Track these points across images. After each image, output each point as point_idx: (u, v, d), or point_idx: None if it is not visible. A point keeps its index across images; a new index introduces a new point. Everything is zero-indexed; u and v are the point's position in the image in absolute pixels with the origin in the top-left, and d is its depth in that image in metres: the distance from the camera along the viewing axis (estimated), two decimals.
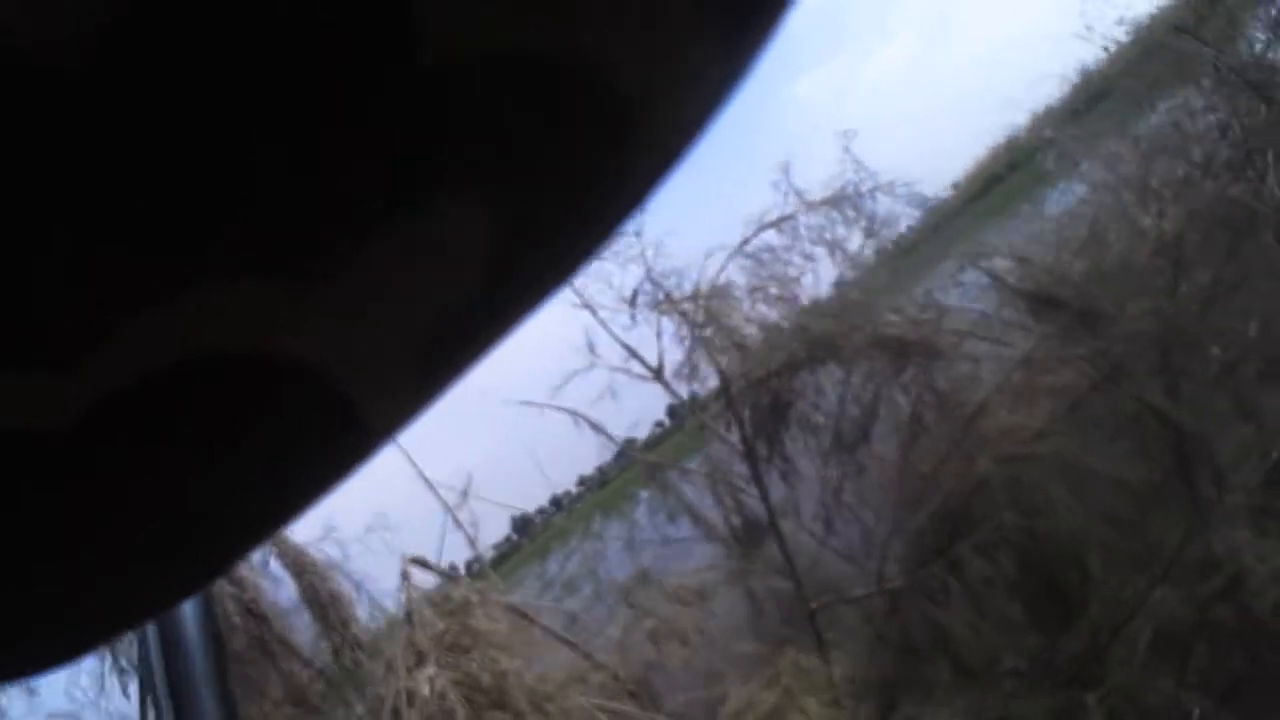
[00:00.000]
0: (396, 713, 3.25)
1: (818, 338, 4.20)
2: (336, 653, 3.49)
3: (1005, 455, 4.00)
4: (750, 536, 4.69)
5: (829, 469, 4.36)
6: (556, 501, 5.86)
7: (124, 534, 0.22)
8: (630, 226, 4.23)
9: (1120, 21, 5.56)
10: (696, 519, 4.89)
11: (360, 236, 0.19)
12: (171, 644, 0.67)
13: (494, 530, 5.64)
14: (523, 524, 5.89)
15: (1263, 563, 3.98)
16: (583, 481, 6.25)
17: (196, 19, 0.16)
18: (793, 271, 4.43)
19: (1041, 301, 4.39)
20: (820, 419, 4.35)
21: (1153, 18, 5.78)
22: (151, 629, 0.68)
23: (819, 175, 4.61)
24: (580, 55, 0.19)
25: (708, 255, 4.42)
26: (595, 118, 0.20)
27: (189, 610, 0.68)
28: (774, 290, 4.40)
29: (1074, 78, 5.72)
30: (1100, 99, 5.77)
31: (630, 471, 5.63)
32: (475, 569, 4.74)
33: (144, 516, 0.21)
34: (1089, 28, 5.41)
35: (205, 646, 0.68)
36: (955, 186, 5.79)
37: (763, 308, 4.43)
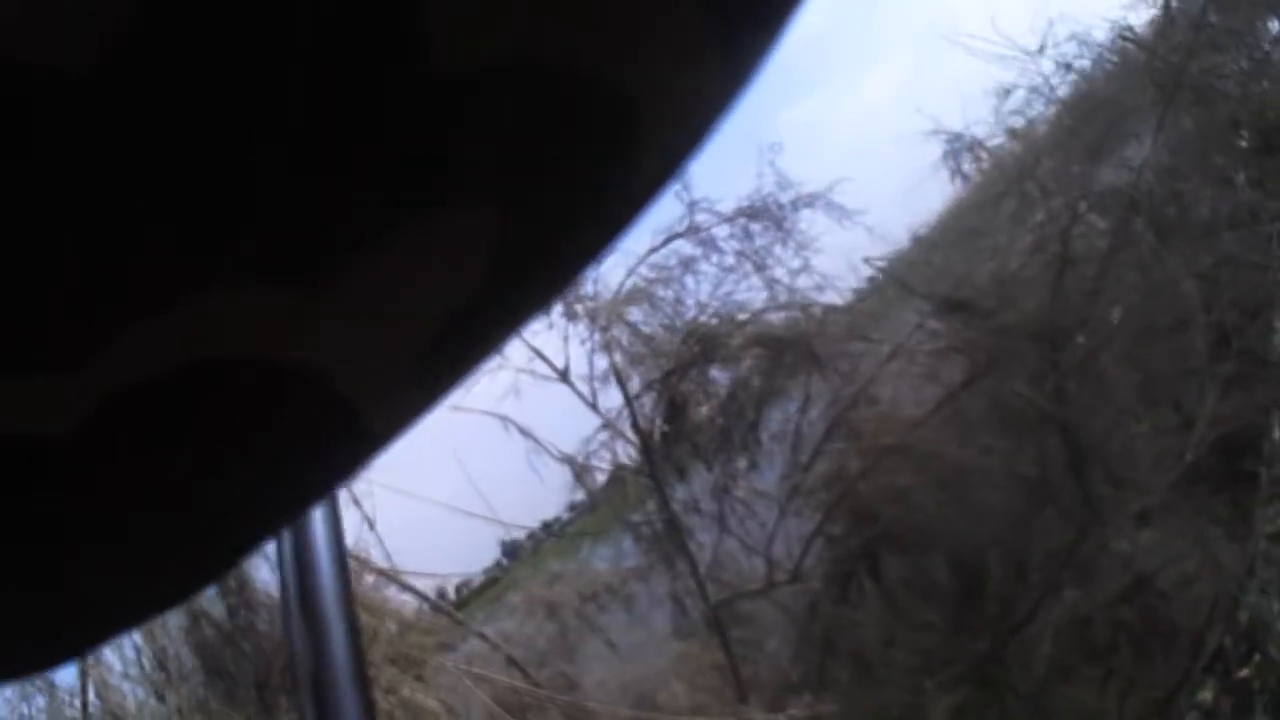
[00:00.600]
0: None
1: (705, 337, 4.41)
2: (231, 611, 3.80)
3: (885, 448, 4.07)
4: (670, 536, 4.85)
5: (722, 467, 4.52)
6: (547, 526, 6.04)
7: (126, 537, 0.22)
8: None
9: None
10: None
11: (364, 241, 0.19)
12: (304, 561, 0.70)
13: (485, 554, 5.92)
14: (512, 549, 6.01)
15: (1169, 564, 3.87)
16: (573, 506, 6.27)
17: (204, 22, 0.16)
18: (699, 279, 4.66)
19: (938, 301, 4.45)
20: (714, 419, 4.53)
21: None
22: (287, 543, 0.71)
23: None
24: (585, 60, 0.19)
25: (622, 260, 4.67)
26: (600, 122, 0.20)
27: (320, 529, 0.71)
28: (674, 296, 4.63)
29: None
30: None
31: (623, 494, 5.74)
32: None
33: (146, 521, 0.22)
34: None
35: (335, 563, 0.71)
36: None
37: (664, 314, 4.66)
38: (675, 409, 4.54)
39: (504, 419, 4.97)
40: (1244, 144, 4.52)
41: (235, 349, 0.19)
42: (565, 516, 5.98)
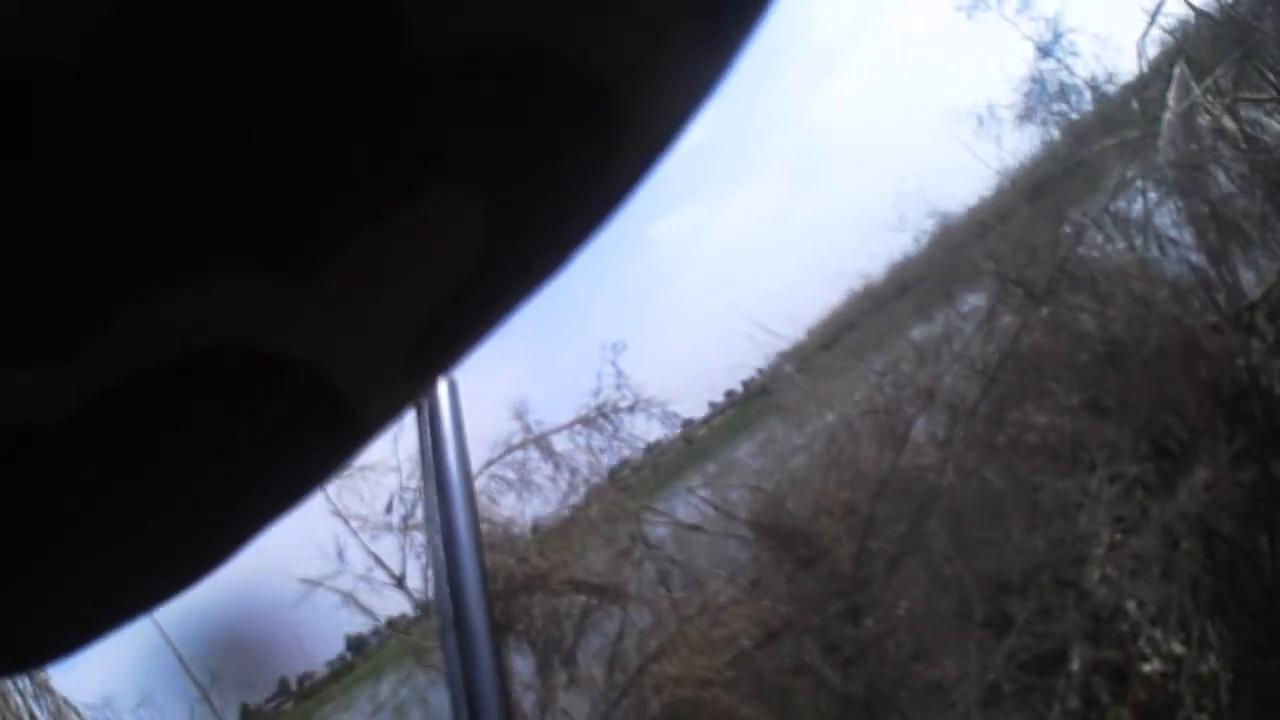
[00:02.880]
0: None
1: (530, 571, 4.56)
2: None
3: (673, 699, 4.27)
4: None
5: (544, 684, 4.73)
6: (392, 624, 6.20)
7: (122, 528, 0.21)
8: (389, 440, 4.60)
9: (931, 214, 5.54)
10: None
11: (352, 227, 0.19)
12: (451, 551, 0.79)
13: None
14: (358, 643, 6.11)
15: None
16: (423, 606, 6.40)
17: (184, 12, 0.16)
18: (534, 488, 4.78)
19: (765, 532, 4.59)
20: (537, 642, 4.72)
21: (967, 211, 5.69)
22: (437, 536, 0.79)
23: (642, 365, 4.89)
24: (561, 44, 0.19)
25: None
26: (579, 106, 0.20)
27: (463, 522, 0.81)
28: (504, 515, 4.76)
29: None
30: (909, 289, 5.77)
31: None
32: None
33: (141, 510, 0.21)
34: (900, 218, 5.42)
35: (475, 553, 0.80)
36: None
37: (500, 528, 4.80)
38: (501, 629, 4.73)
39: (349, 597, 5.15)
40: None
41: (226, 338, 0.19)
42: None
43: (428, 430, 0.87)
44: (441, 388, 0.86)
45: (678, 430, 5.17)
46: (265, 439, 0.22)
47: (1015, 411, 4.17)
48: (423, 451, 0.85)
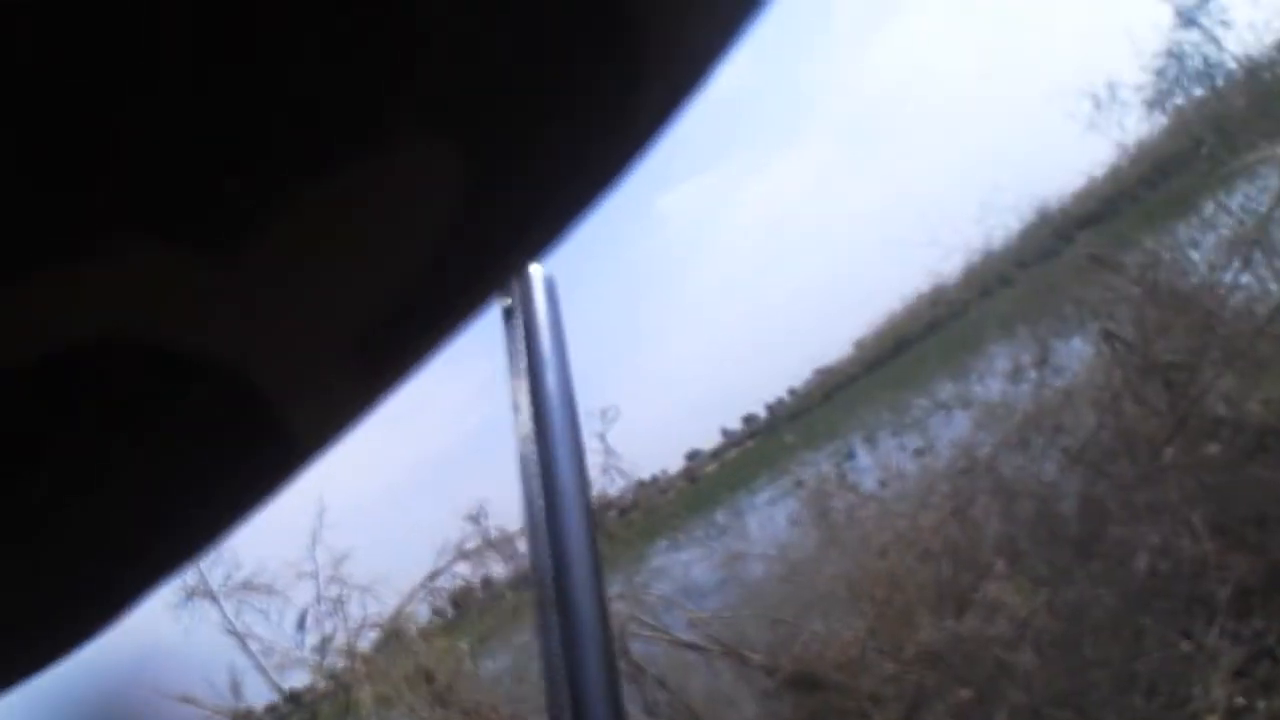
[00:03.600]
0: None
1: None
2: None
3: None
4: None
5: None
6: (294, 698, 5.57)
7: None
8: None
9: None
10: None
11: (282, 187, 0.15)
12: (552, 503, 0.67)
13: None
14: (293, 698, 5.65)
15: None
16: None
17: None
18: None
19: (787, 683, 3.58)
20: None
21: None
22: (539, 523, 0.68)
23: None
24: None
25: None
26: (598, 39, 0.17)
27: (567, 469, 0.69)
28: None
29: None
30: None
31: None
32: None
33: (20, 533, 0.17)
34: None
35: (582, 506, 0.68)
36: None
37: None
38: None
39: None
40: None
41: (110, 330, 0.15)
42: None
43: (520, 346, 0.70)
44: (538, 287, 0.71)
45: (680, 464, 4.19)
46: (163, 460, 0.18)
47: (1121, 528, 3.07)
48: (514, 371, 0.69)
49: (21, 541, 0.17)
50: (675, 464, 4.40)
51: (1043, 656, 2.81)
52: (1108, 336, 3.18)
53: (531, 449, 0.69)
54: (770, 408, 5.25)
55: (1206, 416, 3.20)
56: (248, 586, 3.68)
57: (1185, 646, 2.91)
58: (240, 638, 3.71)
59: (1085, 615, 2.94)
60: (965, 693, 2.84)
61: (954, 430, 4.16)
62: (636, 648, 3.47)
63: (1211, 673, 2.87)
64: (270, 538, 3.63)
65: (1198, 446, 3.16)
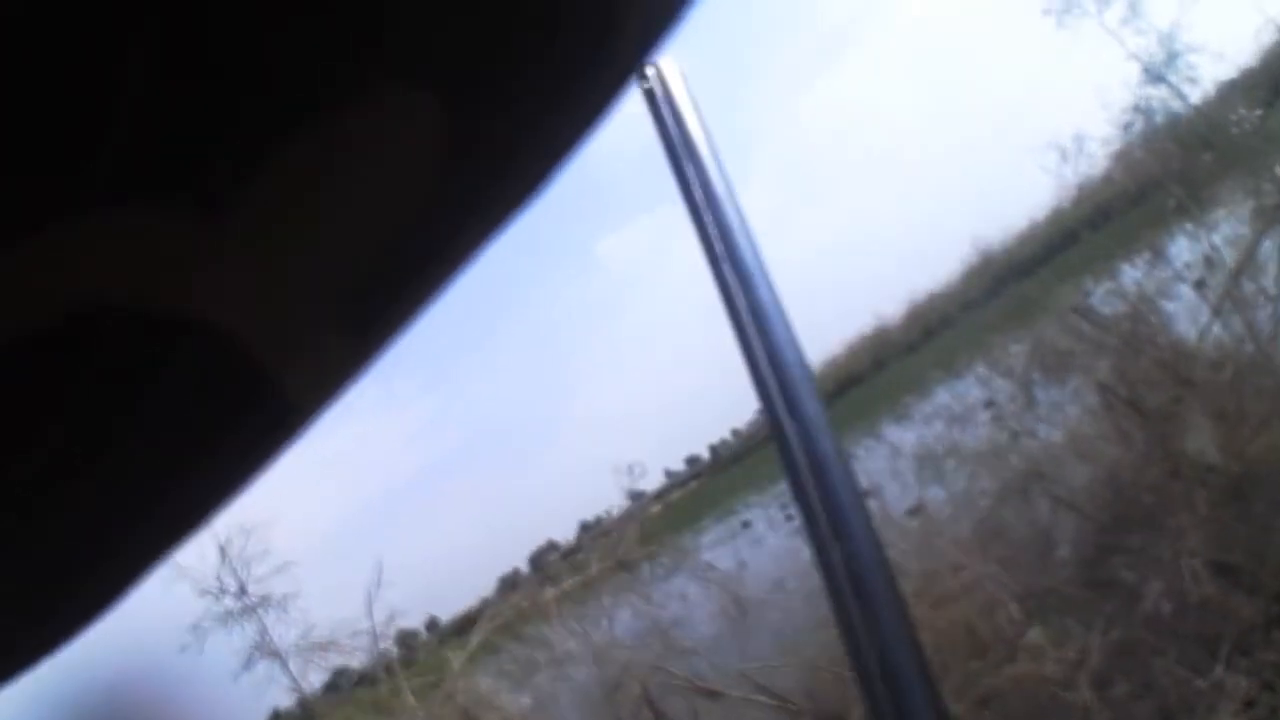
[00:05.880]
0: None
1: None
2: None
3: None
4: None
5: None
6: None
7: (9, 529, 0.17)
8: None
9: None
10: None
11: (267, 144, 0.14)
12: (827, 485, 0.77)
13: None
14: None
15: None
16: None
17: None
18: None
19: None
20: None
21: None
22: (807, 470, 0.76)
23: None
24: None
25: None
26: None
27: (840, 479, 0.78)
28: None
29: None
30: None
31: None
32: None
33: (24, 502, 0.16)
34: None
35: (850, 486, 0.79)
36: None
37: None
38: None
39: None
40: None
41: (106, 295, 0.14)
42: None
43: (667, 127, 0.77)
44: (675, 75, 0.76)
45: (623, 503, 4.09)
46: (158, 429, 0.17)
47: (1131, 572, 3.09)
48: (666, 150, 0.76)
49: (44, 504, 0.16)
50: (619, 505, 4.25)
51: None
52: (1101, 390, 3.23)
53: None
54: (714, 448, 5.16)
55: (1193, 461, 3.28)
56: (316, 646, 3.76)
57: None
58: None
59: None
60: None
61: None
62: None
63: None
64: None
65: (1191, 490, 3.23)
